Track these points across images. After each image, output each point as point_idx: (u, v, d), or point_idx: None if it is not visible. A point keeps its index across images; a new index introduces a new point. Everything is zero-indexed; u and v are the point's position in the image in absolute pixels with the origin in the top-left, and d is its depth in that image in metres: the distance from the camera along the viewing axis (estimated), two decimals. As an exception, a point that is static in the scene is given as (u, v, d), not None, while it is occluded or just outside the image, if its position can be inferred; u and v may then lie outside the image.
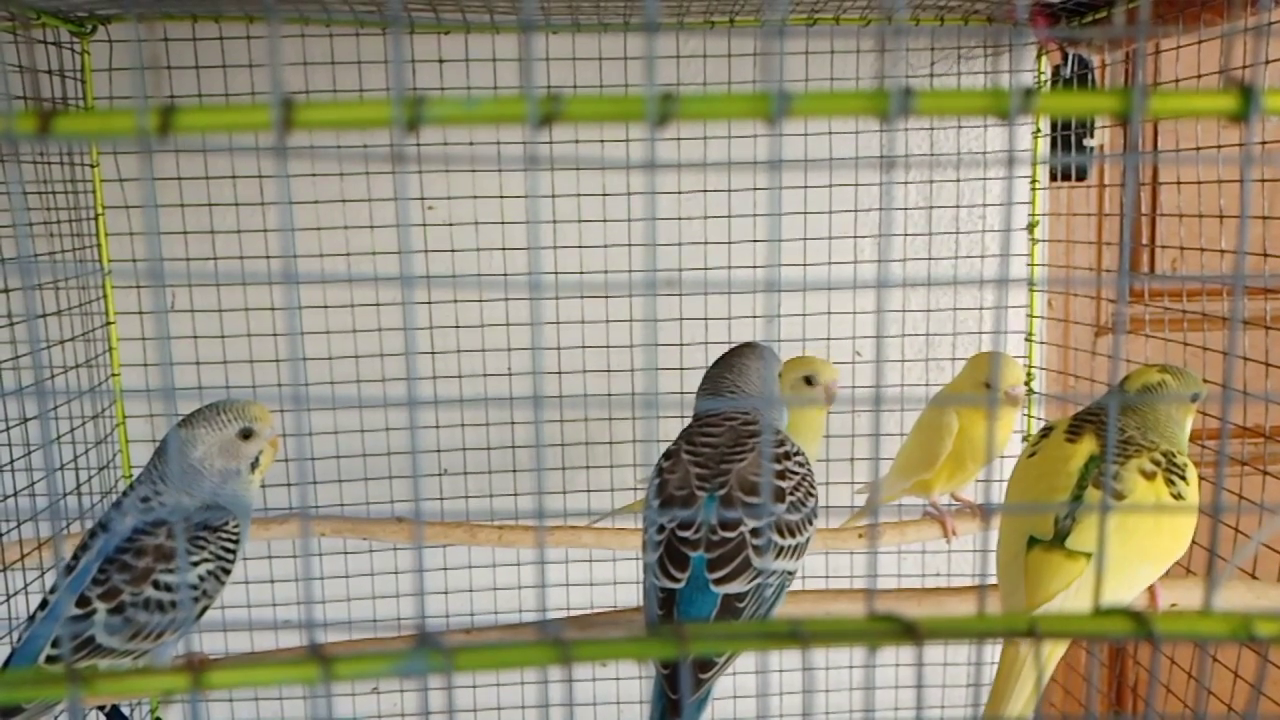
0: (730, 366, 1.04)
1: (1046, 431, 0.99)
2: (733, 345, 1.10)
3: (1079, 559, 0.85)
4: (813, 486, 0.95)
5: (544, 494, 1.40)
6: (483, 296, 1.42)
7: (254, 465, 0.98)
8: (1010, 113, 0.33)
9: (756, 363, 1.04)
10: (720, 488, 0.90)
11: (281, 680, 0.35)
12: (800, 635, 0.33)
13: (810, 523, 0.93)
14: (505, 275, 1.41)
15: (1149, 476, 0.88)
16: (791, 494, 0.91)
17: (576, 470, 1.46)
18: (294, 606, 1.46)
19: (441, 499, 1.44)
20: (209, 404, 0.98)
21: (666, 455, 0.97)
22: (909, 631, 0.34)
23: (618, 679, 1.52)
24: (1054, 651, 0.92)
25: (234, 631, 1.39)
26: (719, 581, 0.87)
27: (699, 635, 0.33)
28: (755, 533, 0.87)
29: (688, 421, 1.04)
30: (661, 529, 0.90)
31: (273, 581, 1.46)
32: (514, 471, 1.47)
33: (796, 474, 0.93)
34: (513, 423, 1.45)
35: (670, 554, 0.89)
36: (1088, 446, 0.92)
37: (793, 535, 0.90)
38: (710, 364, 1.08)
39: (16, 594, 1.19)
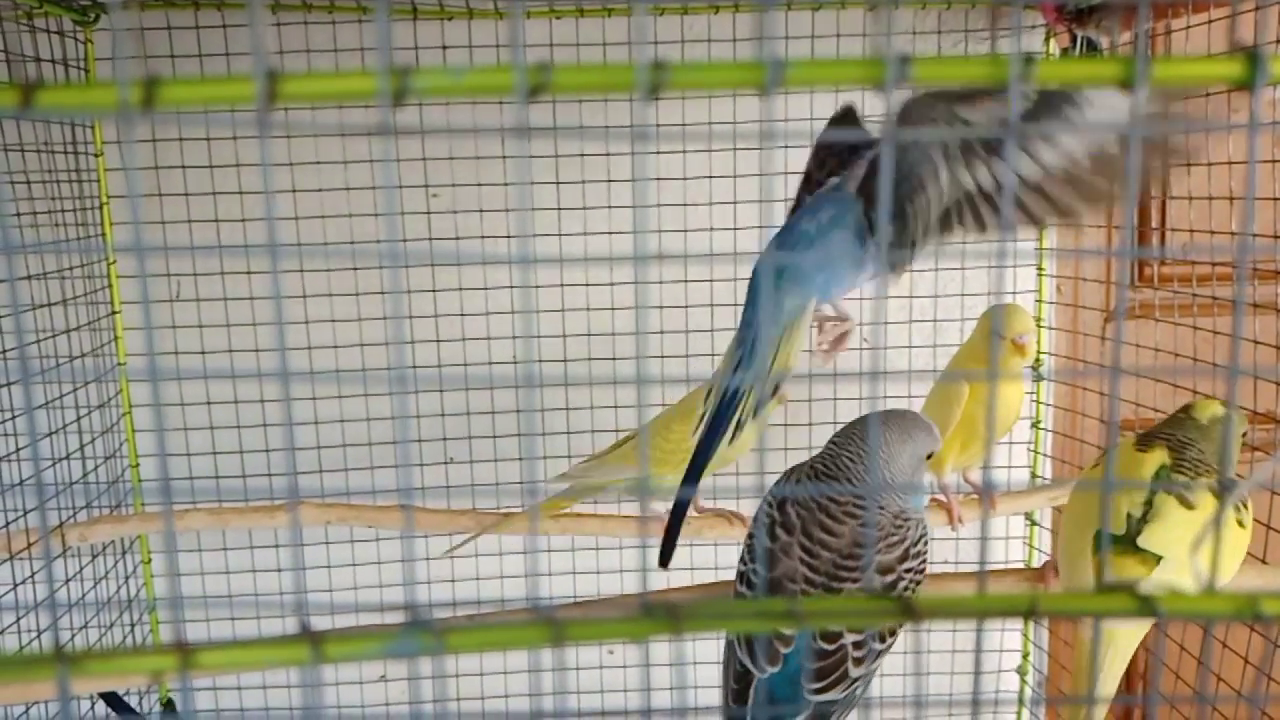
0: (853, 439, 0.92)
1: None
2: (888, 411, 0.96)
3: (1149, 561, 0.87)
4: (923, 574, 0.89)
5: (540, 482, 1.39)
6: (487, 284, 1.42)
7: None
8: (1010, 80, 0.32)
9: (891, 438, 0.92)
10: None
11: (272, 661, 0.34)
12: (796, 615, 0.33)
13: None
14: (510, 261, 1.40)
15: (1218, 495, 0.90)
16: (900, 596, 0.87)
17: (581, 459, 1.45)
18: (317, 594, 1.46)
19: (448, 487, 1.44)
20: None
21: (783, 518, 0.89)
22: (907, 610, 0.33)
23: (624, 667, 1.52)
24: (1124, 634, 0.92)
25: (235, 619, 1.40)
26: (817, 691, 0.84)
27: (693, 615, 0.32)
28: (858, 644, 0.84)
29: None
30: None
31: (279, 570, 1.46)
32: (520, 459, 1.46)
33: (908, 575, 0.87)
34: (518, 410, 1.45)
35: (763, 639, 0.85)
36: (1159, 456, 0.94)
37: (892, 635, 0.87)
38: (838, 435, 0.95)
39: (22, 583, 1.19)
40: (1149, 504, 0.89)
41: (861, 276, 0.88)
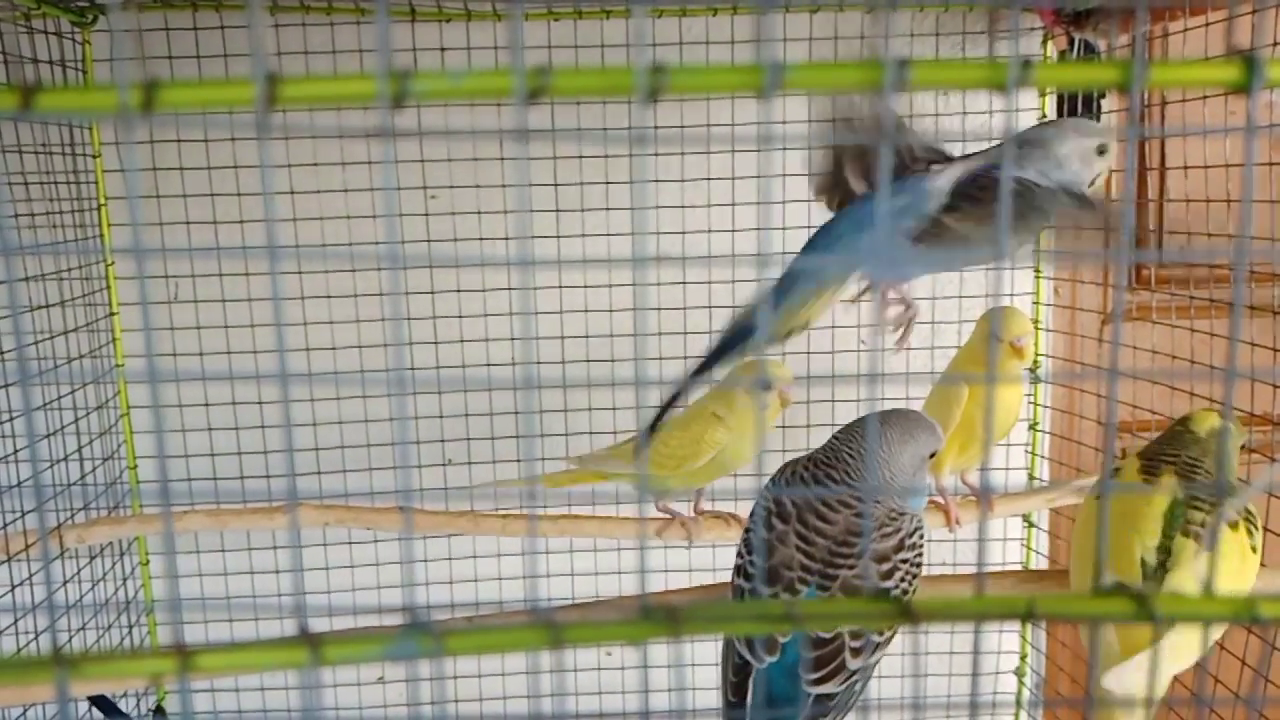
0: (855, 436, 0.92)
1: (1114, 472, 0.95)
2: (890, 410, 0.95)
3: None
4: (919, 567, 0.88)
5: (536, 483, 1.39)
6: (485, 286, 1.42)
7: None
8: (1008, 84, 0.32)
9: (893, 436, 0.91)
10: (823, 588, 0.85)
11: (270, 664, 0.34)
12: (794, 617, 0.33)
13: None
14: (508, 263, 1.40)
15: (1233, 526, 0.84)
16: (895, 589, 0.86)
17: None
18: (319, 595, 1.46)
19: (446, 489, 1.44)
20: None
21: (779, 508, 0.89)
22: (906, 613, 0.33)
23: (623, 668, 1.52)
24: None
25: (244, 619, 1.40)
26: (815, 682, 0.84)
27: (691, 616, 0.32)
28: (855, 634, 0.84)
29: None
30: (756, 593, 0.87)
31: (277, 571, 1.46)
32: (518, 461, 1.46)
33: (904, 565, 0.87)
34: (516, 412, 1.45)
35: None
36: (1168, 485, 0.88)
37: (890, 628, 0.85)
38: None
39: (20, 585, 1.19)
40: (1165, 549, 0.82)
41: (913, 271, 0.89)
